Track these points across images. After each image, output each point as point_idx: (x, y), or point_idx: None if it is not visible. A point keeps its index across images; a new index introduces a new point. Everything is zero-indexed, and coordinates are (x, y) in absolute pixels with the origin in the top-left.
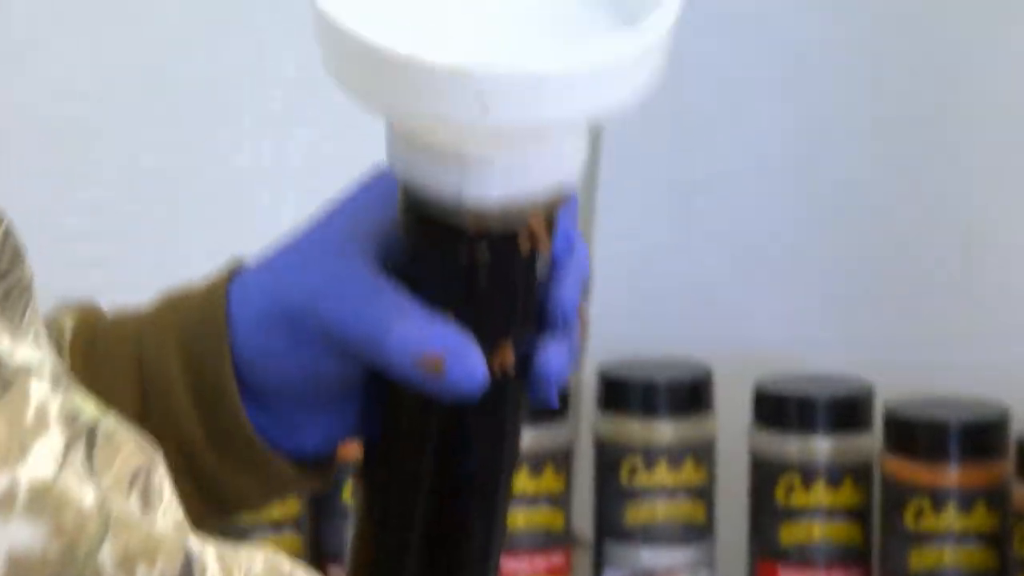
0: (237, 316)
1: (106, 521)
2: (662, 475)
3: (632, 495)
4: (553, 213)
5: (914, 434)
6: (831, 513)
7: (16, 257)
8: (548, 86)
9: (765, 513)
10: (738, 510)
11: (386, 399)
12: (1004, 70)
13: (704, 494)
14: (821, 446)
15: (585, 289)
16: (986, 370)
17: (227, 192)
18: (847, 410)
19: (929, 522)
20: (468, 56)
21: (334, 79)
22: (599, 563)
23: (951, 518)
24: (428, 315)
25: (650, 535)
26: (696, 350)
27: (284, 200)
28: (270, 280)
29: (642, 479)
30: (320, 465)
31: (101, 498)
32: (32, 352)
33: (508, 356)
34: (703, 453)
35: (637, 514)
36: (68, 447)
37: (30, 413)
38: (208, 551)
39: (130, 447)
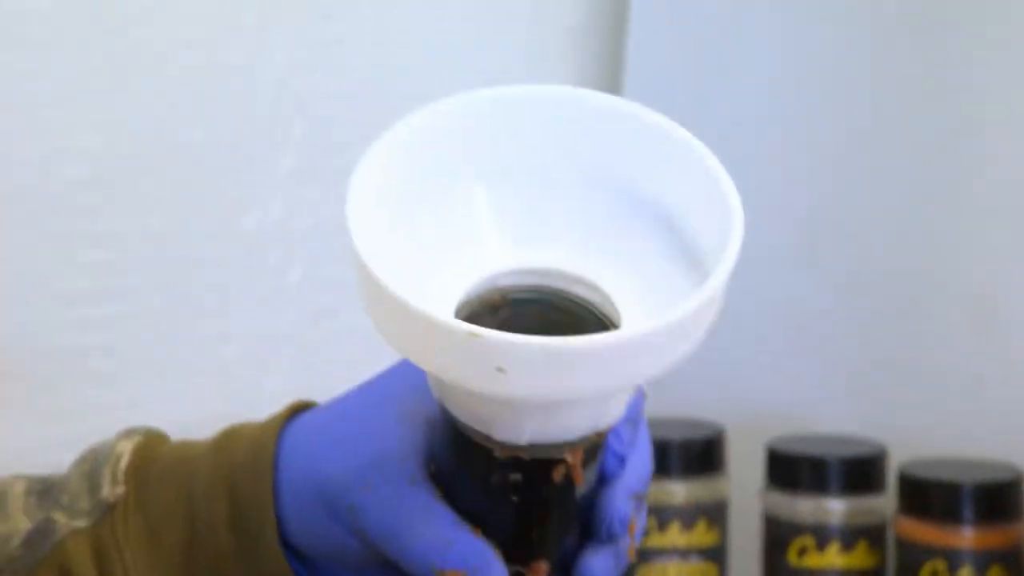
0: (282, 478)
1: None
2: (674, 536)
3: (644, 557)
4: (595, 447)
5: (928, 496)
6: (845, 574)
7: None
8: (570, 363)
9: (778, 575)
10: (751, 572)
11: None
12: (1011, 146)
13: (716, 555)
14: (834, 507)
15: (640, 501)
16: (1000, 431)
17: (235, 253)
18: (860, 471)
19: None
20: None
21: (365, 312)
22: None
23: None
24: (454, 528)
25: None
26: (708, 411)
27: (292, 262)
28: (311, 456)
29: (655, 540)
30: None
31: None
32: None
33: (541, 572)
34: (715, 514)
35: (650, 575)
36: None
37: None
38: None
39: None
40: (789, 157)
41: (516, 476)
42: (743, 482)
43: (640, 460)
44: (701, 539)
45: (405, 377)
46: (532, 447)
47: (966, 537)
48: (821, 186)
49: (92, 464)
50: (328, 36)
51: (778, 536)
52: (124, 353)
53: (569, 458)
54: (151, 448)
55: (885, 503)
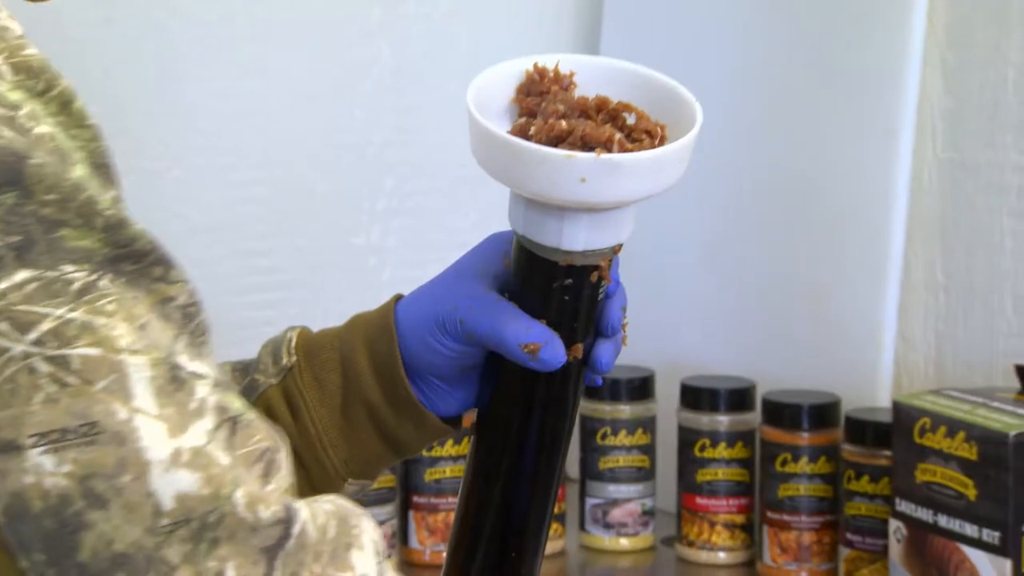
0: (403, 322)
1: (236, 478)
2: (622, 438)
3: (604, 451)
4: (613, 258)
5: (781, 413)
6: (729, 462)
7: (200, 305)
8: (625, 171)
9: (687, 463)
10: (670, 461)
11: (498, 375)
12: (839, 169)
13: (649, 451)
14: (722, 420)
15: (624, 312)
16: (826, 372)
17: (349, 260)
18: (739, 398)
19: (790, 468)
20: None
21: (478, 162)
22: (583, 494)
23: (804, 465)
24: (530, 320)
25: (615, 476)
26: (645, 360)
27: (384, 266)
28: (427, 297)
29: (610, 440)
30: (455, 422)
31: (233, 462)
32: (202, 366)
33: (579, 349)
34: (648, 425)
35: (606, 463)
36: (216, 428)
37: (193, 404)
38: (301, 505)
39: (262, 434)
40: (694, 195)
41: (568, 280)
42: (666, 405)
43: (622, 287)
44: (639, 440)
45: (472, 255)
46: (583, 254)
47: (804, 439)
48: (718, 217)
49: (273, 346)
50: (407, 124)
51: (687, 439)
52: (280, 325)
53: (602, 263)
54: (306, 333)
55: (754, 418)
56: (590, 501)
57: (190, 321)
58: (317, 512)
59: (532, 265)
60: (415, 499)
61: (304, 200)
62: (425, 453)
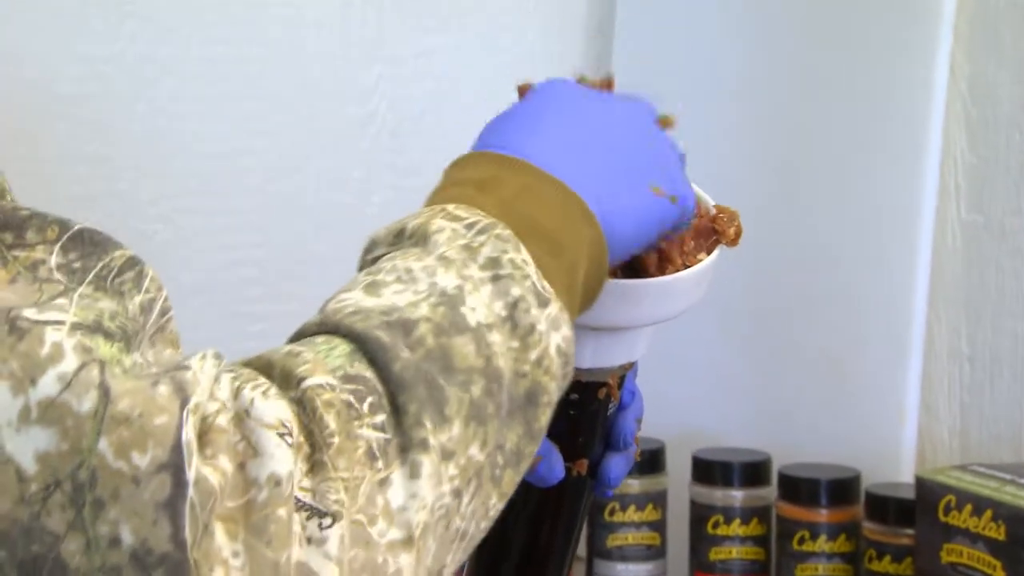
0: None
1: (100, 421)
2: (631, 514)
3: (612, 528)
4: (624, 375)
5: (798, 488)
6: (743, 540)
7: (98, 250)
8: (634, 296)
9: (700, 540)
10: (682, 538)
11: None
12: (858, 233)
13: (659, 527)
14: (736, 495)
15: (639, 424)
16: (845, 445)
17: None
18: (754, 472)
19: (808, 547)
20: None
21: None
22: (589, 574)
23: (823, 544)
24: None
25: (624, 555)
26: (654, 432)
27: None
28: None
29: (619, 517)
30: None
31: (95, 406)
32: (58, 314)
33: (583, 465)
34: (659, 500)
35: (615, 540)
36: (77, 372)
37: (44, 350)
38: (190, 434)
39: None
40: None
41: (574, 395)
42: (677, 478)
43: (639, 398)
44: (649, 516)
45: None
46: (590, 371)
47: (823, 515)
48: (732, 282)
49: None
50: (405, 185)
51: (699, 515)
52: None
53: (610, 381)
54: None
55: (770, 493)
56: None
57: (73, 275)
58: (214, 436)
59: None
60: None
61: (299, 262)
62: None
